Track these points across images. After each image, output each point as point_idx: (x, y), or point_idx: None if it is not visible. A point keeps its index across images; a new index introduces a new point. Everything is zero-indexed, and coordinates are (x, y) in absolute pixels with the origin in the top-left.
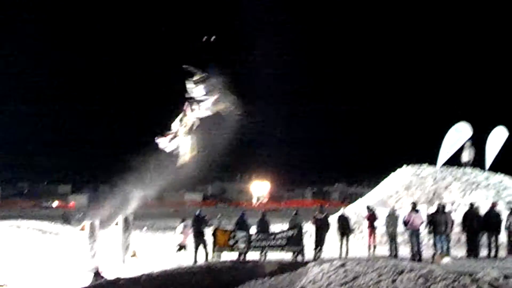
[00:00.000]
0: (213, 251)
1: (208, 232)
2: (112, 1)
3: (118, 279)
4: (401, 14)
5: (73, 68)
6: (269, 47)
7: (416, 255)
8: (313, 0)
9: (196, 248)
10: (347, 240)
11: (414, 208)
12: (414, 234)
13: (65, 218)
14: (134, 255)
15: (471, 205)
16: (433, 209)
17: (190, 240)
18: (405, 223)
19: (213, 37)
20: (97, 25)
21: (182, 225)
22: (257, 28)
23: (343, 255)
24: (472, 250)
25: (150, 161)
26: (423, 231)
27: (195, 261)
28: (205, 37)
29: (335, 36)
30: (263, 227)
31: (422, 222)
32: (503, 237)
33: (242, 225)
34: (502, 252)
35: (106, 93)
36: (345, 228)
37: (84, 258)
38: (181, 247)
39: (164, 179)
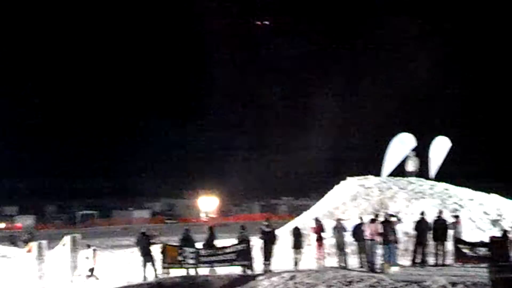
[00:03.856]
0: (162, 268)
1: (155, 249)
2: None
3: None
4: None
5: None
6: None
7: (370, 265)
8: None
9: (144, 266)
10: (300, 253)
11: (374, 219)
12: (371, 244)
13: (12, 239)
14: (79, 275)
15: (422, 213)
16: (381, 219)
17: (98, 264)
18: (359, 233)
19: None
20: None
21: (90, 250)
22: None
23: (297, 267)
24: (417, 259)
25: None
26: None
27: (145, 278)
28: None
29: None
30: (211, 242)
31: (379, 233)
32: (449, 245)
33: (186, 241)
34: (449, 260)
35: (47, 113)
36: (298, 241)
37: (32, 280)
38: (91, 271)
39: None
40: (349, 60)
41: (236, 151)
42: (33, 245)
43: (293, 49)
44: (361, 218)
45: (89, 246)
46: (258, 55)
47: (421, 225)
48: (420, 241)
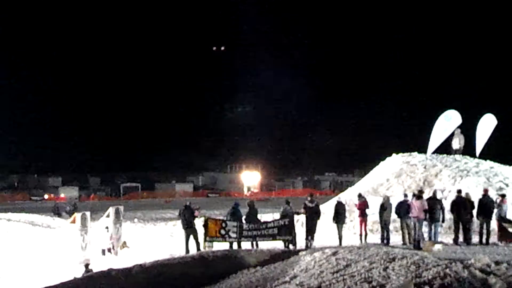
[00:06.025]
0: (204, 241)
1: (198, 223)
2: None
3: (110, 271)
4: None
5: (63, 66)
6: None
7: (415, 243)
8: None
9: (187, 239)
10: (341, 228)
11: (420, 196)
12: (417, 221)
13: (56, 210)
14: (124, 246)
15: (459, 191)
16: (425, 196)
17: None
18: (403, 210)
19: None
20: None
21: (105, 229)
22: None
23: (336, 243)
24: (458, 237)
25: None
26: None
27: (187, 251)
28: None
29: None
30: (252, 216)
31: (426, 210)
32: (493, 223)
33: (235, 215)
34: (493, 239)
35: (94, 88)
36: (340, 215)
37: (75, 250)
38: (108, 250)
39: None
40: None
41: (280, 127)
42: (77, 216)
43: None
44: (405, 195)
45: (107, 228)
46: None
47: (458, 203)
48: (458, 220)
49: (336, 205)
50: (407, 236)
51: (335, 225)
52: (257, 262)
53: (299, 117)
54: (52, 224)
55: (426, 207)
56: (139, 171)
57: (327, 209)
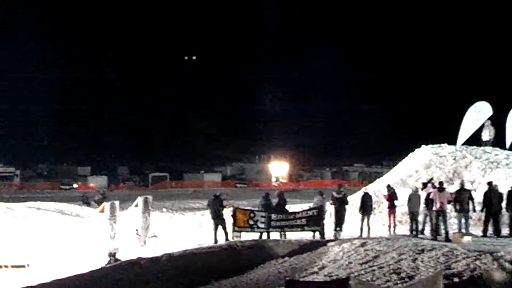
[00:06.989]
0: (233, 231)
1: (226, 213)
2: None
3: (139, 260)
4: None
5: (91, 58)
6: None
7: (434, 234)
8: None
9: (216, 229)
10: (368, 219)
11: (442, 187)
12: (441, 213)
13: (85, 199)
14: (154, 235)
15: (490, 183)
16: (455, 188)
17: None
18: (429, 201)
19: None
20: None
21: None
22: None
23: (365, 234)
24: (487, 229)
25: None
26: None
27: (215, 241)
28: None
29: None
30: (281, 207)
31: (450, 201)
32: None
33: (266, 206)
34: None
35: (125, 78)
36: (367, 207)
37: (104, 240)
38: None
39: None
40: None
41: (309, 117)
42: (106, 205)
43: None
44: (440, 187)
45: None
46: None
47: (489, 195)
48: (489, 211)
49: (363, 196)
50: (434, 228)
51: (362, 216)
52: (285, 252)
53: (328, 109)
54: (81, 213)
55: (450, 198)
56: (167, 161)
57: (354, 200)
